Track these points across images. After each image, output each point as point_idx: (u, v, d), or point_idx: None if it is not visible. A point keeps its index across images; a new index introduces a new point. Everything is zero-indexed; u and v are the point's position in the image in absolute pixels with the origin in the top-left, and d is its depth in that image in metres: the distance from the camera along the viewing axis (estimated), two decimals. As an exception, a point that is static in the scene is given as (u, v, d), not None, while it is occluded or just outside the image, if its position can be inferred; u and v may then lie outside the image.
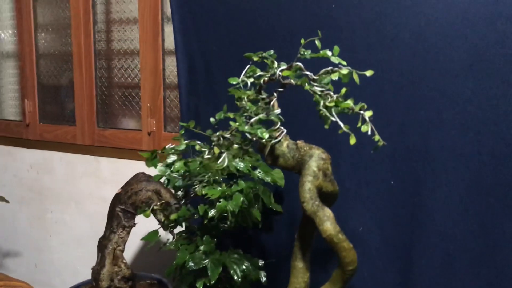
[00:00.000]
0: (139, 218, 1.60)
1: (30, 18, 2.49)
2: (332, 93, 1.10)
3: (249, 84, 1.18)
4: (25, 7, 2.49)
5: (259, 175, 1.51)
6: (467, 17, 1.40)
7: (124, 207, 1.64)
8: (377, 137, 1.08)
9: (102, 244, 1.67)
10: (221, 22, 1.78)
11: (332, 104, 1.06)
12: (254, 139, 1.13)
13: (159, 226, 1.54)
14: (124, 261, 1.66)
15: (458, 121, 1.44)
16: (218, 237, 1.57)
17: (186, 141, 1.32)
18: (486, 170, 1.42)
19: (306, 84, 1.12)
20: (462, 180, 1.45)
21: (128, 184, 1.67)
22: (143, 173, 1.69)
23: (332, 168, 1.57)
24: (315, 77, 1.13)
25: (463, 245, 1.47)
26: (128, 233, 1.67)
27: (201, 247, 1.50)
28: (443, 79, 1.45)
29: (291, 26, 1.65)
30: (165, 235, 1.89)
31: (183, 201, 1.46)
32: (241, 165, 1.37)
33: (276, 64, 1.18)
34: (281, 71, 1.15)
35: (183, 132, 1.36)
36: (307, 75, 1.14)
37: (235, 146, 1.21)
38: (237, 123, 1.11)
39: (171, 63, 2.12)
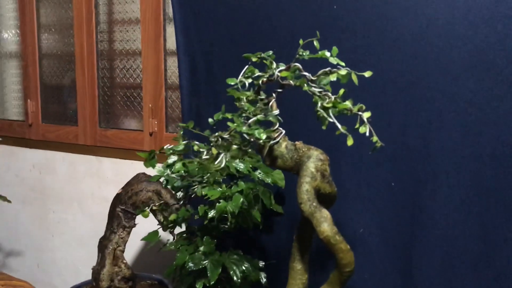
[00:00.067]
0: (140, 219, 1.60)
1: (33, 18, 2.50)
2: (330, 94, 1.09)
3: (247, 84, 1.17)
4: (28, 7, 2.50)
5: (259, 176, 1.51)
6: (468, 18, 1.40)
7: (124, 207, 1.64)
8: (375, 138, 1.08)
9: (103, 244, 1.68)
10: (223, 22, 1.78)
11: (330, 105, 1.06)
12: (252, 139, 1.13)
13: (159, 226, 1.54)
14: (124, 261, 1.67)
15: (459, 122, 1.44)
16: (219, 238, 1.57)
17: (184, 142, 1.31)
18: (487, 171, 1.42)
19: (305, 85, 1.12)
20: (463, 181, 1.45)
21: (128, 184, 1.68)
22: (143, 173, 1.70)
23: (332, 169, 1.57)
24: (313, 78, 1.12)
25: (464, 246, 1.46)
26: (129, 233, 1.67)
27: (201, 248, 1.50)
28: (444, 80, 1.45)
29: (292, 26, 1.65)
30: (166, 236, 1.89)
31: (181, 202, 1.45)
32: (241, 166, 1.37)
33: (274, 64, 1.18)
34: (280, 71, 1.15)
35: (181, 132, 1.35)
36: (305, 76, 1.14)
37: (234, 147, 1.21)
38: (235, 124, 1.11)
39: (172, 63, 2.12)
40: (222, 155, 1.16)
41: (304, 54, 1.18)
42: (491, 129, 1.40)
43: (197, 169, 1.23)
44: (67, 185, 2.44)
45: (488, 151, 1.41)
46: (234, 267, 1.46)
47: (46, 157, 2.50)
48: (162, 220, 1.52)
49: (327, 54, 1.15)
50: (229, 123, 1.16)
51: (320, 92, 1.10)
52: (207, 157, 1.20)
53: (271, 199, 1.56)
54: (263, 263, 1.60)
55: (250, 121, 1.13)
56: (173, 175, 1.28)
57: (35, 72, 2.52)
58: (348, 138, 1.08)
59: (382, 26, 1.52)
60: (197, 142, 1.26)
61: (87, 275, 1.77)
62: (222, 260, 1.47)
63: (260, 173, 1.52)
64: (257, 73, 1.18)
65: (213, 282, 1.41)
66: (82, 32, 2.32)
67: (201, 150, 1.23)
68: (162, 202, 1.48)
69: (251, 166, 1.45)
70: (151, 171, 1.56)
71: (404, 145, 1.52)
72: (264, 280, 1.57)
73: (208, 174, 1.24)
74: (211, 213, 1.41)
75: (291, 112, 1.54)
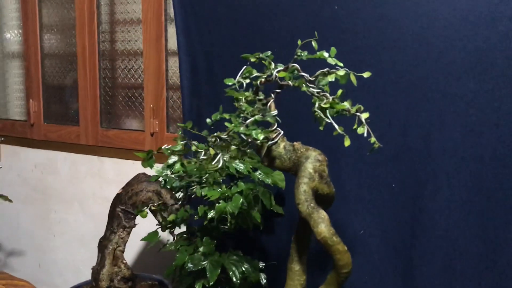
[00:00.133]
0: (140, 219, 1.60)
1: (36, 19, 2.50)
2: (328, 95, 1.09)
3: (244, 85, 1.17)
4: (30, 7, 2.50)
5: (259, 176, 1.50)
6: (469, 19, 1.40)
7: (124, 207, 1.64)
8: (373, 139, 1.08)
9: (103, 245, 1.67)
10: (224, 23, 1.78)
11: (327, 105, 1.06)
12: (249, 140, 1.13)
13: (158, 226, 1.53)
14: (124, 261, 1.66)
15: (460, 123, 1.43)
16: (219, 239, 1.57)
17: (182, 142, 1.31)
18: (488, 172, 1.41)
19: (304, 86, 1.11)
20: (464, 182, 1.44)
21: (129, 184, 1.67)
22: (144, 173, 1.69)
23: (333, 170, 1.56)
24: (311, 79, 1.12)
25: (464, 247, 1.46)
26: (129, 233, 1.67)
27: (201, 249, 1.49)
28: (445, 81, 1.44)
29: (293, 27, 1.65)
30: (166, 236, 1.89)
31: (180, 202, 1.45)
32: (241, 166, 1.37)
33: (273, 65, 1.18)
34: (278, 72, 1.15)
35: (180, 132, 1.35)
36: (303, 76, 1.13)
37: (233, 147, 1.21)
38: (233, 124, 1.11)
39: (174, 64, 2.12)
40: (219, 155, 1.16)
41: (302, 54, 1.17)
42: (492, 130, 1.40)
43: (195, 169, 1.23)
44: (69, 185, 2.44)
45: (489, 152, 1.41)
46: (234, 268, 1.46)
47: (48, 157, 2.50)
48: (161, 220, 1.52)
49: (325, 54, 1.15)
50: (226, 124, 1.16)
51: (318, 92, 1.09)
52: (205, 157, 1.20)
53: (271, 200, 1.56)
54: (263, 264, 1.60)
55: (247, 121, 1.13)
56: (172, 175, 1.28)
57: (37, 72, 2.53)
58: (345, 139, 1.08)
59: (383, 26, 1.51)
60: (195, 142, 1.26)
61: (88, 275, 1.77)
62: (222, 260, 1.47)
63: (260, 173, 1.51)
64: (255, 74, 1.18)
65: (212, 283, 1.41)
66: (84, 32, 2.33)
67: (199, 150, 1.23)
68: (160, 202, 1.48)
69: (251, 166, 1.45)
70: (152, 171, 1.56)
71: (405, 145, 1.51)
72: (264, 281, 1.56)
73: (207, 175, 1.23)
74: (211, 214, 1.40)
75: (292, 112, 1.55)
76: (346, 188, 1.60)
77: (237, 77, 1.18)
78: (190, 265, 1.44)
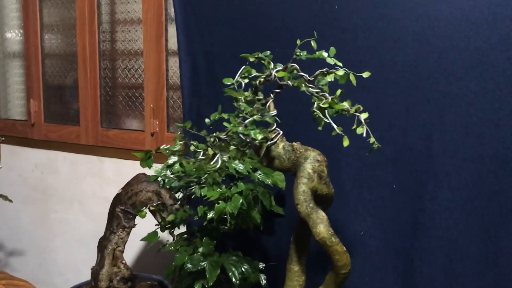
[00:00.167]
0: (140, 219, 1.59)
1: (36, 19, 2.50)
2: (327, 95, 1.09)
3: (243, 85, 1.17)
4: (31, 7, 2.50)
5: (259, 177, 1.50)
6: (470, 19, 1.39)
7: (124, 207, 1.64)
8: (372, 139, 1.07)
9: (102, 245, 1.67)
10: (224, 23, 1.78)
11: (326, 105, 1.05)
12: (248, 140, 1.12)
13: (157, 227, 1.53)
14: (124, 261, 1.66)
15: (461, 124, 1.43)
16: (219, 239, 1.56)
17: (180, 142, 1.31)
18: (489, 173, 1.40)
19: (303, 85, 1.11)
20: (464, 183, 1.44)
21: (128, 184, 1.67)
22: (143, 173, 1.69)
23: (333, 171, 1.56)
24: (310, 78, 1.11)
25: (465, 249, 1.45)
26: (128, 233, 1.67)
27: (200, 249, 1.49)
28: (445, 82, 1.44)
29: (293, 27, 1.64)
30: (167, 236, 1.88)
31: (178, 202, 1.45)
32: (240, 167, 1.37)
33: (272, 65, 1.17)
34: (277, 72, 1.14)
35: (179, 132, 1.35)
36: (302, 76, 1.13)
37: (232, 147, 1.20)
38: (231, 124, 1.10)
39: (174, 63, 2.12)
40: (218, 155, 1.15)
41: (301, 54, 1.17)
42: (493, 131, 1.39)
43: (194, 169, 1.23)
44: (69, 185, 2.44)
45: (490, 153, 1.40)
46: (233, 269, 1.46)
47: (48, 157, 2.50)
48: (160, 220, 1.51)
49: (325, 54, 1.15)
50: (225, 124, 1.15)
51: (317, 92, 1.09)
52: (204, 157, 1.20)
53: (271, 201, 1.56)
54: (263, 265, 1.60)
55: (246, 121, 1.12)
56: (171, 176, 1.27)
57: (38, 72, 2.52)
58: (344, 139, 1.08)
59: (384, 27, 1.51)
60: (193, 142, 1.25)
61: (88, 275, 1.77)
62: (221, 261, 1.47)
63: (260, 174, 1.51)
64: (254, 73, 1.18)
65: (211, 283, 1.40)
66: (84, 32, 2.32)
67: (197, 150, 1.22)
68: (159, 202, 1.47)
69: (251, 167, 1.44)
70: (151, 172, 1.55)
71: (405, 146, 1.51)
72: (264, 281, 1.56)
73: (206, 175, 1.23)
74: (210, 214, 1.40)
75: (293, 113, 1.54)
76: (347, 189, 1.59)
77: (236, 77, 1.18)
78: (189, 265, 1.44)
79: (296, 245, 1.27)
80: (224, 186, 1.40)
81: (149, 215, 1.58)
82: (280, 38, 1.65)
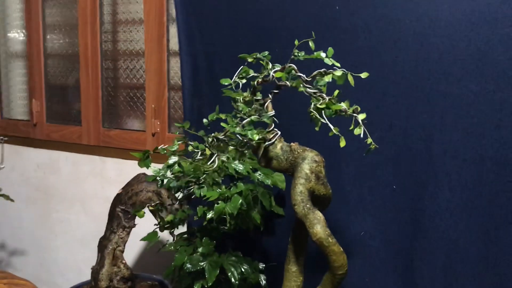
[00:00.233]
0: (141, 219, 1.60)
1: (39, 19, 2.51)
2: (324, 95, 1.08)
3: (240, 85, 1.17)
4: (34, 7, 2.51)
5: (259, 177, 1.50)
6: (471, 20, 1.39)
7: (124, 207, 1.64)
8: (369, 140, 1.07)
9: (102, 244, 1.68)
10: (225, 23, 1.78)
11: (323, 106, 1.05)
12: (245, 140, 1.12)
13: (156, 226, 1.53)
14: (124, 261, 1.66)
15: (461, 125, 1.42)
16: (219, 239, 1.56)
17: (179, 142, 1.31)
18: (489, 174, 1.40)
19: (301, 86, 1.11)
20: (464, 184, 1.43)
21: (129, 184, 1.67)
22: (144, 173, 1.69)
23: (333, 172, 1.56)
24: (307, 79, 1.11)
25: (465, 250, 1.45)
26: (128, 233, 1.67)
27: (200, 249, 1.49)
28: (446, 82, 1.44)
29: (294, 27, 1.64)
30: (167, 236, 1.88)
31: (177, 202, 1.45)
32: (240, 167, 1.36)
33: (270, 65, 1.17)
34: (274, 72, 1.14)
35: (177, 132, 1.35)
36: (300, 76, 1.13)
37: (231, 147, 1.20)
38: (229, 125, 1.10)
39: (175, 64, 2.12)
40: (215, 155, 1.15)
41: (299, 54, 1.17)
42: (493, 132, 1.39)
43: (191, 169, 1.23)
44: (71, 185, 2.45)
45: (490, 154, 1.40)
46: (232, 269, 1.45)
47: (50, 156, 2.50)
48: (159, 220, 1.51)
49: (323, 55, 1.14)
50: (222, 124, 1.15)
51: (315, 93, 1.09)
52: (201, 157, 1.20)
53: (271, 201, 1.55)
54: (263, 265, 1.60)
55: (244, 122, 1.12)
56: (169, 176, 1.27)
57: (40, 72, 2.53)
58: (341, 140, 1.07)
59: (384, 27, 1.50)
60: (191, 143, 1.25)
61: (89, 275, 1.77)
62: (221, 261, 1.47)
63: (260, 174, 1.51)
64: (252, 74, 1.18)
65: (210, 284, 1.40)
66: (86, 32, 2.33)
67: (195, 150, 1.22)
68: (158, 202, 1.47)
69: (251, 167, 1.44)
70: (151, 172, 1.56)
71: (406, 147, 1.51)
72: (264, 282, 1.56)
73: (204, 175, 1.23)
74: (210, 214, 1.40)
75: (294, 113, 1.54)
76: (347, 189, 1.59)
77: (234, 77, 1.18)
78: (188, 265, 1.44)
79: (294, 245, 1.27)
80: (224, 187, 1.40)
81: (149, 214, 1.58)
82: (281, 39, 1.65)
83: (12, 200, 2.12)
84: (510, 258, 1.39)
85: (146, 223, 1.61)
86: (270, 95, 1.18)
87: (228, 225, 1.42)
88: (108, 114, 2.37)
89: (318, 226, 1.04)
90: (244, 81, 1.16)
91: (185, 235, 1.64)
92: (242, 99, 1.16)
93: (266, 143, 1.16)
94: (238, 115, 1.14)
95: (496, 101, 1.38)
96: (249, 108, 1.15)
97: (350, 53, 1.54)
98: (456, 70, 1.42)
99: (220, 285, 1.50)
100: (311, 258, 1.36)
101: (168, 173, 1.40)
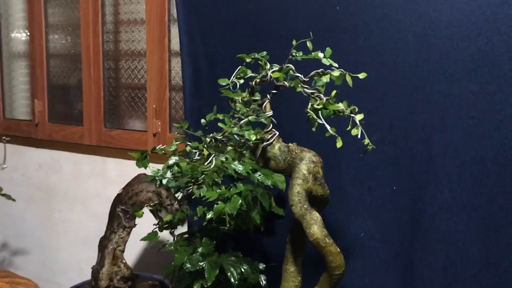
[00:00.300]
0: (141, 219, 1.60)
1: (41, 19, 2.52)
2: (322, 96, 1.08)
3: (238, 85, 1.17)
4: (36, 8, 2.52)
5: (259, 178, 1.50)
6: (471, 20, 1.38)
7: (125, 207, 1.64)
8: (366, 141, 1.07)
9: (103, 244, 1.68)
10: (226, 23, 1.78)
11: (320, 106, 1.05)
12: (242, 140, 1.12)
13: (155, 227, 1.53)
14: (124, 261, 1.67)
15: (461, 126, 1.42)
16: (219, 240, 1.56)
17: (177, 142, 1.31)
18: (489, 175, 1.40)
19: (299, 86, 1.11)
20: (465, 185, 1.43)
21: (129, 184, 1.68)
22: (144, 174, 1.69)
23: (333, 172, 1.56)
24: (305, 79, 1.11)
25: (465, 251, 1.44)
26: (129, 233, 1.68)
27: (199, 249, 1.49)
28: (446, 83, 1.43)
29: (295, 28, 1.64)
30: (168, 236, 1.88)
31: (176, 202, 1.45)
32: (240, 167, 1.36)
33: (268, 65, 1.17)
34: (272, 72, 1.14)
35: (176, 133, 1.35)
36: (298, 77, 1.13)
37: (229, 148, 1.20)
38: (226, 125, 1.10)
39: (177, 64, 2.12)
40: (212, 156, 1.15)
41: (297, 55, 1.17)
42: (494, 133, 1.38)
43: (189, 170, 1.23)
44: (72, 185, 2.45)
45: (491, 155, 1.39)
46: (232, 269, 1.45)
47: (52, 156, 2.51)
48: (158, 220, 1.52)
49: (320, 55, 1.14)
50: (220, 124, 1.15)
51: (312, 93, 1.09)
52: (199, 158, 1.20)
53: (270, 202, 1.55)
54: (264, 266, 1.59)
55: (241, 122, 1.12)
56: (167, 176, 1.28)
57: (43, 72, 2.54)
58: (337, 140, 1.07)
59: (384, 27, 1.50)
60: (189, 143, 1.26)
61: (90, 275, 1.78)
62: (220, 261, 1.47)
63: (260, 175, 1.51)
64: (249, 74, 1.18)
65: (210, 284, 1.40)
66: (88, 33, 2.34)
67: (193, 151, 1.22)
68: (156, 202, 1.48)
69: (250, 168, 1.44)
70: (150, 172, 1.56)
71: (406, 147, 1.50)
72: (264, 282, 1.56)
73: (203, 175, 1.23)
74: (209, 214, 1.40)
75: (295, 113, 1.54)
76: (347, 190, 1.59)
77: (231, 77, 1.18)
78: (188, 265, 1.44)
79: (292, 246, 1.27)
80: (224, 187, 1.39)
81: (150, 214, 1.58)
82: (281, 39, 1.65)
83: (14, 200, 2.13)
84: (510, 259, 1.38)
85: (146, 223, 1.61)
86: (268, 96, 1.18)
87: (228, 225, 1.42)
88: (109, 114, 2.37)
89: (315, 226, 1.04)
90: (241, 81, 1.16)
91: (186, 235, 1.64)
92: (241, 100, 1.16)
93: (264, 143, 1.16)
94: (236, 116, 1.14)
95: (496, 102, 1.37)
96: (247, 109, 1.15)
97: (351, 53, 1.54)
98: (456, 70, 1.41)
99: (220, 285, 1.50)
100: (309, 259, 1.36)
101: (169, 174, 1.41)
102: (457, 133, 1.43)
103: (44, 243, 2.60)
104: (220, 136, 1.18)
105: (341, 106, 1.07)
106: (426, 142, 1.48)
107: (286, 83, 1.15)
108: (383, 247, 1.57)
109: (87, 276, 1.92)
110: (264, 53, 1.20)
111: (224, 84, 1.17)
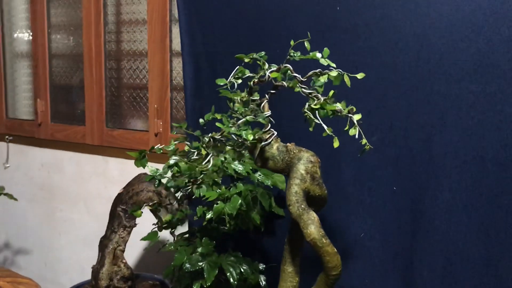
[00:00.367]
0: (141, 218, 1.60)
1: (44, 19, 2.53)
2: (320, 96, 1.08)
3: (236, 85, 1.17)
4: (39, 8, 2.53)
5: (259, 178, 1.50)
6: (472, 21, 1.38)
7: (125, 207, 1.65)
8: (364, 141, 1.07)
9: (103, 244, 1.68)
10: (227, 24, 1.78)
11: (318, 106, 1.05)
12: (240, 140, 1.12)
13: (155, 226, 1.54)
14: (124, 261, 1.67)
15: (461, 126, 1.42)
16: (219, 240, 1.56)
17: (176, 141, 1.31)
18: (489, 176, 1.39)
19: (298, 86, 1.11)
20: (465, 185, 1.42)
21: (129, 184, 1.68)
22: (145, 173, 1.70)
23: (333, 173, 1.56)
24: (302, 79, 1.11)
25: (465, 251, 1.44)
26: (129, 233, 1.68)
27: (199, 249, 1.49)
28: (446, 83, 1.43)
29: (295, 28, 1.64)
30: (168, 236, 1.89)
31: (175, 202, 1.45)
32: (240, 167, 1.36)
33: (267, 65, 1.17)
34: (270, 72, 1.14)
35: (175, 133, 1.35)
36: (296, 77, 1.13)
37: (228, 148, 1.20)
38: (224, 125, 1.11)
39: (178, 64, 2.12)
40: (210, 155, 1.16)
41: (295, 55, 1.17)
42: (494, 133, 1.38)
43: (188, 169, 1.23)
44: (74, 185, 2.46)
45: (491, 155, 1.39)
46: (231, 269, 1.45)
47: (55, 156, 2.52)
48: (158, 220, 1.52)
49: (318, 55, 1.14)
50: (218, 124, 1.16)
51: (310, 93, 1.09)
52: (197, 157, 1.20)
53: (270, 202, 1.55)
54: (263, 266, 1.60)
55: (239, 122, 1.12)
56: (166, 176, 1.28)
57: (45, 72, 2.55)
58: (334, 140, 1.07)
59: (385, 28, 1.50)
60: (187, 143, 1.26)
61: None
62: (220, 261, 1.47)
63: (260, 175, 1.51)
64: (248, 74, 1.18)
65: (209, 284, 1.40)
66: (90, 33, 2.34)
67: (191, 150, 1.23)
68: (155, 202, 1.48)
69: (250, 168, 1.44)
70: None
71: (406, 148, 1.50)
72: (264, 283, 1.56)
73: (202, 175, 1.23)
74: (209, 214, 1.40)
75: (295, 114, 1.54)
76: (346, 190, 1.59)
77: (229, 77, 1.18)
78: (188, 265, 1.44)
79: (290, 246, 1.27)
80: (223, 187, 1.40)
81: (150, 214, 1.58)
82: (282, 39, 1.65)
83: (16, 199, 2.14)
84: (510, 259, 1.38)
85: (147, 222, 1.62)
86: (266, 95, 1.18)
87: (227, 225, 1.43)
88: (111, 114, 2.38)
89: (312, 226, 1.04)
90: (239, 81, 1.16)
91: (186, 235, 1.65)
92: (239, 99, 1.16)
93: (262, 143, 1.16)
94: (234, 115, 1.14)
95: (496, 102, 1.37)
96: (245, 108, 1.15)
97: (351, 53, 1.54)
98: (456, 70, 1.41)
99: (220, 285, 1.51)
100: (307, 259, 1.35)
101: (169, 173, 1.41)
102: (457, 133, 1.43)
103: (46, 242, 2.61)
104: (219, 136, 1.18)
105: (338, 106, 1.07)
106: (426, 142, 1.47)
107: (284, 83, 1.15)
108: (383, 247, 1.57)
109: (88, 275, 1.92)
110: (263, 53, 1.20)
111: (222, 84, 1.17)
